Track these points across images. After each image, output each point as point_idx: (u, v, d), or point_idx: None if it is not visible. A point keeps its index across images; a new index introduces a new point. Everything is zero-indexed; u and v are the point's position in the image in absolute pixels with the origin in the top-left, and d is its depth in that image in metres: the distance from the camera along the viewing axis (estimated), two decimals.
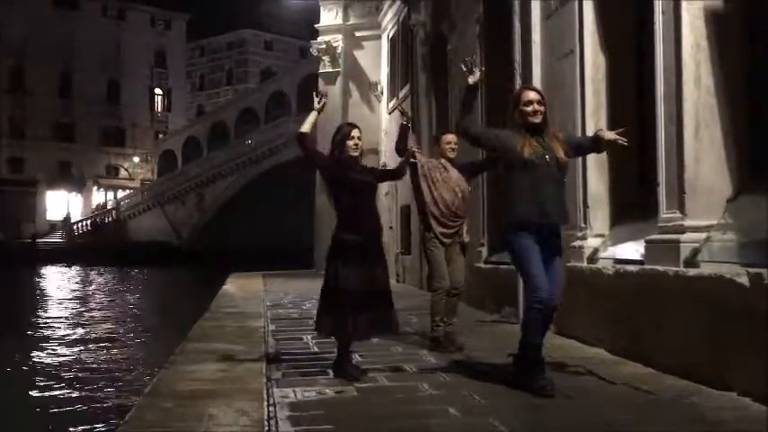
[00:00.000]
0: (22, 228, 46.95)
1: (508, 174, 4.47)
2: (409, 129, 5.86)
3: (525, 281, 4.40)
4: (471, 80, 4.68)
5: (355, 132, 4.96)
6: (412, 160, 5.62)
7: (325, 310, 4.89)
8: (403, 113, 6.12)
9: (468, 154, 7.42)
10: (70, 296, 24.35)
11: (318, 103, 5.05)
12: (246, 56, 71.06)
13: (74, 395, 9.69)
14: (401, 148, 5.80)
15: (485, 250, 9.37)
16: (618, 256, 5.79)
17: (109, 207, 52.64)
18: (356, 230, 4.84)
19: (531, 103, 4.44)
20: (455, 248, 6.19)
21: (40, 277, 33.02)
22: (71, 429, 8.15)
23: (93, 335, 15.25)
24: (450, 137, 6.27)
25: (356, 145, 4.93)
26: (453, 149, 6.22)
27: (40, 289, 27.08)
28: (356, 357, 5.22)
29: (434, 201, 6.08)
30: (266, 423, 3.68)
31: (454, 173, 6.18)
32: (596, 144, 4.62)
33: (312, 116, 5.04)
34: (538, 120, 4.43)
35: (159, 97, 61.89)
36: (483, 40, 9.54)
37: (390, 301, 4.95)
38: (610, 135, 4.46)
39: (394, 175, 5.51)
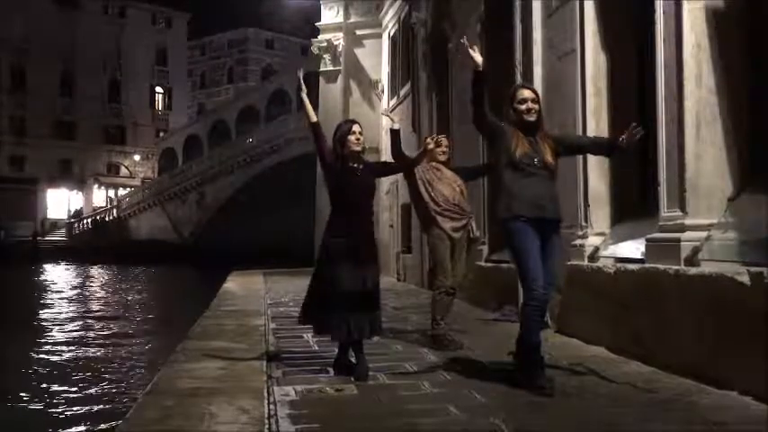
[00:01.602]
0: (23, 226, 46.90)
1: (500, 171, 4.49)
2: (399, 132, 5.77)
3: (521, 275, 4.40)
4: (477, 60, 4.46)
5: (356, 128, 4.98)
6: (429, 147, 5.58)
7: (308, 305, 4.94)
8: (388, 116, 6.09)
9: (469, 155, 7.43)
10: (72, 294, 24.37)
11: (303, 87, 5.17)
12: (247, 54, 71.03)
13: (74, 393, 9.71)
14: (397, 151, 5.74)
15: (485, 249, 9.37)
16: (618, 255, 5.79)
17: (110, 205, 52.78)
18: (347, 231, 4.85)
19: (525, 101, 4.45)
20: (461, 245, 6.19)
21: (42, 276, 33.03)
22: (72, 427, 8.17)
23: (94, 333, 15.28)
24: (442, 140, 6.33)
25: (358, 140, 4.95)
26: (444, 152, 6.24)
27: (41, 287, 27.08)
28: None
29: (433, 200, 6.10)
30: (267, 421, 3.68)
31: (448, 172, 6.23)
32: (608, 150, 4.67)
33: (308, 104, 5.13)
34: (532, 118, 4.44)
35: (160, 95, 61.88)
36: (484, 40, 9.53)
37: (378, 302, 4.95)
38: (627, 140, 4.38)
39: (401, 168, 5.52)
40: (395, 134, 5.72)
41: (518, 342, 4.44)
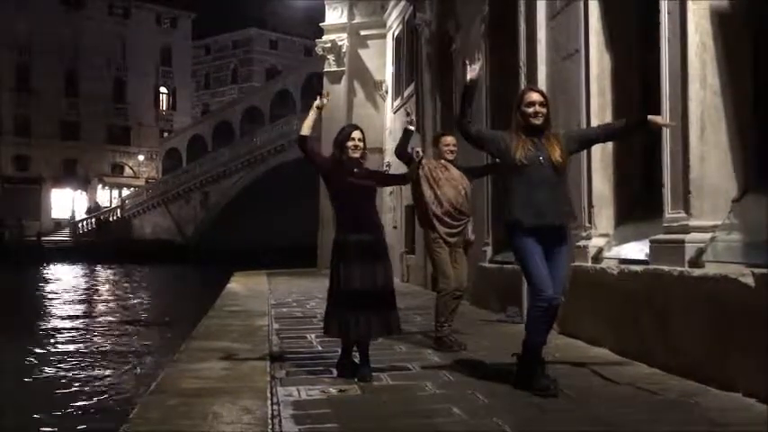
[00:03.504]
0: (28, 226, 46.99)
1: (504, 176, 4.49)
2: (413, 133, 5.73)
3: (528, 280, 4.40)
4: (470, 75, 4.57)
5: (356, 134, 4.95)
6: (418, 160, 5.54)
7: (329, 311, 4.91)
8: (408, 115, 6.00)
9: (471, 155, 7.42)
10: (76, 294, 24.40)
11: (319, 101, 5.08)
12: (251, 54, 71.04)
13: (77, 393, 9.72)
14: (401, 152, 5.71)
15: (489, 250, 9.36)
16: (622, 256, 5.78)
17: (105, 207, 52.94)
18: (356, 231, 4.83)
19: (533, 104, 4.43)
20: (459, 249, 6.19)
21: (47, 275, 33.09)
22: (75, 427, 8.18)
23: (97, 332, 15.30)
24: (449, 139, 6.30)
25: (355, 146, 4.91)
26: (452, 152, 6.23)
27: (46, 287, 27.12)
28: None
29: (437, 200, 6.08)
30: (270, 421, 3.69)
31: (455, 171, 6.20)
32: (627, 129, 4.65)
33: (311, 117, 5.05)
34: (539, 122, 4.42)
35: (164, 96, 61.94)
36: (488, 40, 9.53)
37: (393, 301, 4.94)
38: (659, 120, 4.47)
39: (399, 181, 5.51)
40: (409, 135, 5.67)
41: (524, 343, 4.44)
